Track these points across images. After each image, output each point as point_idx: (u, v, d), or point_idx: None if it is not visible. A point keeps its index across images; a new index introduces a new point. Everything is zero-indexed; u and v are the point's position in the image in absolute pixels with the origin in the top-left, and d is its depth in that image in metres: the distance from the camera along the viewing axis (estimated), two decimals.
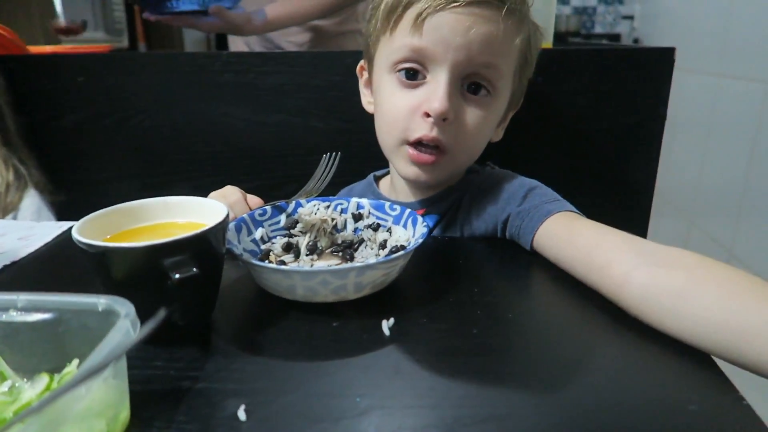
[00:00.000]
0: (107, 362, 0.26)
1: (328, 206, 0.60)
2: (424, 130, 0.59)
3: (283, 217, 0.59)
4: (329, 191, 0.63)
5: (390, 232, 0.57)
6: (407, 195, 0.70)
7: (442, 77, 0.58)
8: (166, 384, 0.37)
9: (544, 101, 0.85)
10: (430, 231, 0.68)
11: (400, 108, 0.61)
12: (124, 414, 0.33)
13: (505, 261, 0.60)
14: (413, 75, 0.60)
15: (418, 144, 0.61)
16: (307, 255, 0.55)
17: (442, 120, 0.58)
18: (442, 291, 0.50)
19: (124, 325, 0.30)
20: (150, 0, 1.05)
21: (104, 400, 0.30)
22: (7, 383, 0.33)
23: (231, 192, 0.63)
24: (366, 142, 0.69)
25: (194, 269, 0.37)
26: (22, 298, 0.34)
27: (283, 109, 0.90)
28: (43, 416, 0.23)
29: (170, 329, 0.41)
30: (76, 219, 0.42)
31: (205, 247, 0.41)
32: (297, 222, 0.58)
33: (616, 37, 3.14)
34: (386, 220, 0.59)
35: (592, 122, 0.86)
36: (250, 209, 0.60)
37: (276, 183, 0.94)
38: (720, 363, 0.39)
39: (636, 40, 2.77)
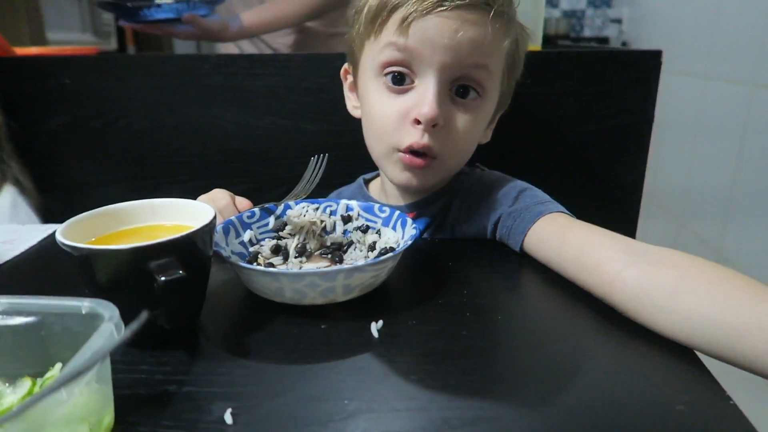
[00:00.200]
0: (89, 365, 0.26)
1: (317, 208, 0.60)
2: (414, 137, 0.58)
3: (271, 220, 0.59)
4: (319, 193, 0.62)
5: (379, 234, 0.57)
6: (397, 198, 0.70)
7: (430, 81, 0.57)
8: (152, 388, 0.37)
9: (533, 103, 0.85)
10: (421, 234, 0.68)
11: (388, 115, 0.60)
12: (108, 419, 0.32)
13: (494, 263, 0.60)
14: (400, 80, 0.59)
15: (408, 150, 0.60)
16: (296, 257, 0.55)
17: (432, 126, 0.58)
18: (431, 293, 0.50)
19: (108, 328, 0.30)
20: (126, 8, 1.05)
21: (87, 405, 0.29)
22: None
23: (220, 196, 0.62)
24: (356, 144, 0.69)
25: (180, 272, 0.37)
26: (4, 301, 0.33)
27: (273, 112, 0.90)
28: (22, 421, 0.23)
29: (156, 333, 0.41)
30: (62, 222, 0.41)
31: (192, 250, 0.41)
32: (286, 224, 0.58)
33: (604, 40, 3.16)
34: (375, 222, 0.59)
35: (581, 124, 0.87)
36: (239, 212, 0.60)
37: (265, 186, 0.93)
38: (707, 363, 0.40)
39: (624, 43, 2.80)
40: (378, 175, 0.77)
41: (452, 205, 0.68)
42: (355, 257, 0.55)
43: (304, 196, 0.62)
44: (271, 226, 0.58)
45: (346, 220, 0.60)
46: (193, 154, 0.93)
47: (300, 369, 0.39)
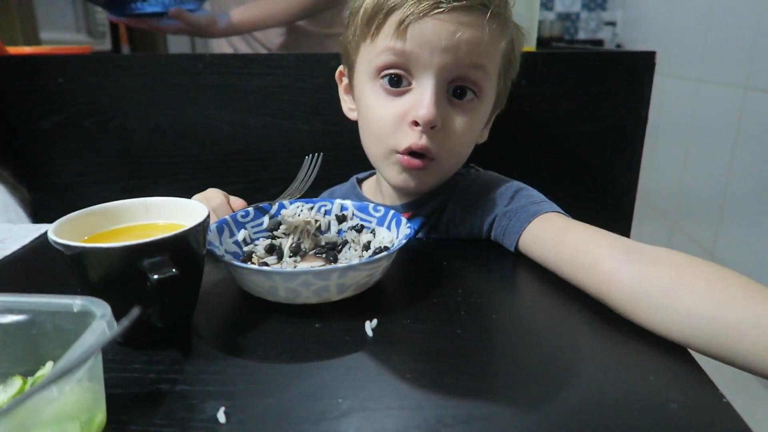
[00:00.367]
0: (80, 362, 0.26)
1: (312, 208, 0.60)
2: (412, 138, 0.58)
3: (266, 219, 0.58)
4: (313, 193, 0.62)
5: (374, 234, 0.57)
6: (393, 198, 0.70)
7: (427, 83, 0.57)
8: (145, 387, 0.37)
9: (528, 105, 0.86)
10: (416, 233, 0.68)
11: (386, 117, 0.60)
12: (100, 417, 0.32)
13: (489, 262, 0.60)
14: (397, 82, 0.59)
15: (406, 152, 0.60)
16: (290, 257, 0.55)
17: (430, 128, 0.57)
18: (425, 292, 0.50)
19: (100, 325, 0.30)
20: (115, 2, 1.04)
21: (78, 403, 0.29)
22: None
23: (214, 195, 0.62)
24: (351, 144, 0.69)
25: (174, 270, 0.37)
26: None
27: (267, 112, 0.89)
28: (12, 418, 0.23)
29: (149, 331, 0.41)
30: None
31: (185, 248, 0.41)
32: (280, 224, 0.58)
33: (598, 43, 3.18)
34: (370, 222, 0.59)
35: (575, 126, 0.87)
36: (233, 211, 0.60)
37: (260, 185, 0.93)
38: (701, 362, 0.40)
39: (618, 46, 2.81)
40: (371, 175, 0.77)
41: (447, 206, 0.68)
42: (350, 257, 0.55)
43: (298, 196, 0.61)
44: (265, 225, 0.58)
45: (341, 219, 0.59)
46: (187, 154, 0.92)
47: (294, 368, 0.39)
